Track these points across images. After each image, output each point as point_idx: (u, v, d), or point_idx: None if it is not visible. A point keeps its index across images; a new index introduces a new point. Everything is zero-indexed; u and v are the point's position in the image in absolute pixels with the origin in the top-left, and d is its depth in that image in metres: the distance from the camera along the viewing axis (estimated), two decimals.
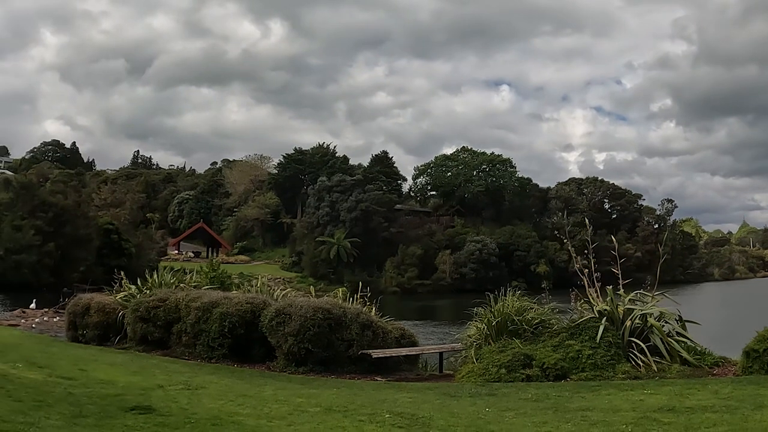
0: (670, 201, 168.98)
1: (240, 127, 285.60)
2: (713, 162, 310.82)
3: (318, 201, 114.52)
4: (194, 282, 23.25)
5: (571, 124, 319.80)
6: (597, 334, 14.82)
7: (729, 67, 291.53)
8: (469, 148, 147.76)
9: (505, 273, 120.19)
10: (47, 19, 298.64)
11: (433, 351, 19.62)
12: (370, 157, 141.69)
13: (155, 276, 22.52)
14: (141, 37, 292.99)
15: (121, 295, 21.95)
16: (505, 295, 17.28)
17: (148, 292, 21.18)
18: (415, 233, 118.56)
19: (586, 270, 17.59)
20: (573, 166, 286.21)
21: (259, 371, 16.60)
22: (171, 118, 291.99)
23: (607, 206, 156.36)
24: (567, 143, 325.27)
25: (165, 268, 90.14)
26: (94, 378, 12.04)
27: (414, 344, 19.55)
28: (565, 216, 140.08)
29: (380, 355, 17.20)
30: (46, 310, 53.79)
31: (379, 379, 16.42)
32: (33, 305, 53.85)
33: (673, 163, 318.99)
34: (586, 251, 18.43)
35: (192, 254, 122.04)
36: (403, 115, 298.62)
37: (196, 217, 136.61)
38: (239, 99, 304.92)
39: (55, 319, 50.56)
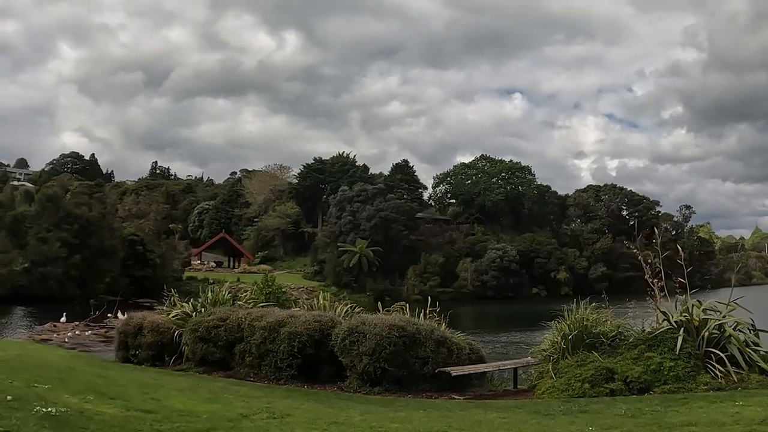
0: (687, 207, 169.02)
1: (255, 137, 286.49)
2: (724, 168, 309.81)
3: (339, 210, 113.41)
4: (251, 299, 21.97)
5: (583, 132, 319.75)
6: (676, 346, 14.39)
7: (739, 74, 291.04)
8: (488, 156, 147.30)
9: (525, 280, 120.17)
10: (65, 33, 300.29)
11: (509, 366, 18.72)
12: (391, 166, 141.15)
13: (208, 293, 21.23)
14: (158, 49, 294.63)
15: (174, 313, 20.68)
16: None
17: (203, 310, 19.96)
18: (436, 241, 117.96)
19: (655, 280, 17.02)
20: (585, 173, 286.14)
21: (332, 392, 15.77)
22: (188, 129, 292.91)
23: (624, 213, 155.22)
24: (579, 150, 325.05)
25: (196, 279, 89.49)
26: (172, 408, 11.02)
27: (482, 359, 18.78)
28: (582, 222, 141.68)
29: (459, 373, 16.37)
30: (77, 323, 52.81)
31: (456, 397, 15.56)
32: (63, 318, 52.84)
33: (684, 169, 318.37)
34: (648, 261, 17.83)
35: (214, 264, 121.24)
36: (417, 123, 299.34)
37: (217, 227, 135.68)
38: (255, 109, 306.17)
39: (87, 333, 49.61)
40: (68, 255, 73.11)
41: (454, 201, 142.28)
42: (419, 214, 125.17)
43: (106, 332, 51.53)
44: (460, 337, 18.60)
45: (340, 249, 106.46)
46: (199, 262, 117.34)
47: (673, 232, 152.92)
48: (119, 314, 58.97)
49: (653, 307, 16.52)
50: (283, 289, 23.40)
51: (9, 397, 9.26)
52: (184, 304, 21.06)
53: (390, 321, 16.34)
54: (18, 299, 68.26)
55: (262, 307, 20.51)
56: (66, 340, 45.19)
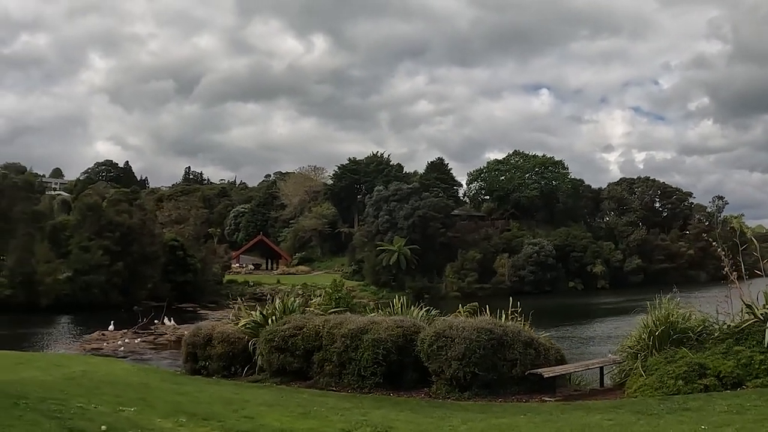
0: (720, 198, 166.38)
1: (286, 139, 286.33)
2: (751, 158, 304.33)
3: (376, 210, 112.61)
4: (321, 305, 20.95)
5: (611, 125, 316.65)
6: (764, 339, 13.90)
7: (763, 65, 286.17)
8: (521, 151, 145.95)
9: (562, 274, 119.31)
10: (96, 43, 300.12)
11: (596, 365, 17.78)
12: (420, 164, 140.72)
13: (277, 301, 20.25)
14: (188, 56, 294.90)
15: (244, 322, 19.71)
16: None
17: (273, 319, 19.01)
18: (472, 238, 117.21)
19: (734, 272, 16.37)
20: (613, 167, 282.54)
21: (421, 400, 15.14)
22: (219, 133, 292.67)
23: (657, 205, 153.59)
24: (607, 144, 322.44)
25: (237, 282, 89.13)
26: (270, 428, 10.44)
27: (563, 358, 17.96)
28: (617, 215, 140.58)
29: (551, 375, 15.64)
30: (125, 331, 52.36)
31: (547, 399, 14.98)
32: (111, 326, 52.36)
33: (711, 160, 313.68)
34: (728, 253, 17.46)
35: (252, 266, 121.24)
36: (445, 122, 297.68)
37: (253, 230, 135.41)
38: (285, 113, 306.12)
39: (136, 341, 49.07)
40: (110, 263, 72.83)
41: (488, 197, 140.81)
42: (455, 211, 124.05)
43: (154, 339, 51.07)
44: (543, 336, 17.82)
45: (378, 248, 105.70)
46: (237, 264, 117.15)
47: (707, 223, 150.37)
48: (166, 320, 58.55)
49: (722, 299, 15.94)
50: (352, 295, 22.35)
51: (103, 427, 8.46)
52: (252, 312, 20.10)
53: (477, 324, 15.66)
54: (62, 308, 68.11)
55: (333, 312, 19.62)
56: (121, 348, 44.75)
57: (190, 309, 76.54)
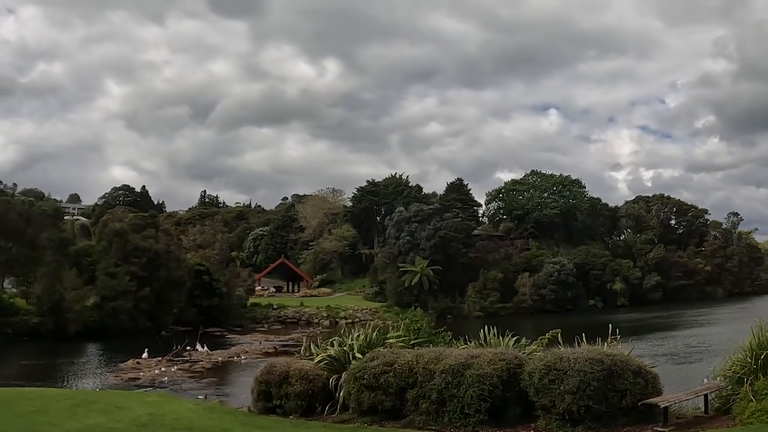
0: (735, 214, 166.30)
1: (299, 162, 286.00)
2: (757, 174, 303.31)
3: (398, 231, 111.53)
4: (401, 336, 19.52)
5: (618, 144, 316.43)
6: None
7: None
8: (538, 171, 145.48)
9: (582, 292, 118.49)
10: (111, 71, 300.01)
11: (702, 392, 16.12)
12: (431, 184, 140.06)
13: (353, 335, 18.90)
14: (202, 82, 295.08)
15: (320, 358, 18.31)
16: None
17: (352, 353, 17.66)
18: (492, 257, 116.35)
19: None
20: (622, 185, 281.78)
21: None
22: (233, 157, 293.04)
23: (673, 222, 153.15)
24: (615, 162, 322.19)
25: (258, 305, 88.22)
26: None
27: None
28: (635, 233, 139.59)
29: (666, 404, 14.60)
30: (159, 358, 51.09)
31: (660, 429, 14.09)
32: (145, 354, 51.03)
33: (718, 177, 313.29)
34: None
35: (273, 289, 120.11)
36: (455, 143, 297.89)
37: (272, 252, 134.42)
38: (297, 136, 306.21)
39: (173, 369, 47.74)
40: (137, 288, 71.44)
41: (506, 217, 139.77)
42: (474, 231, 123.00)
43: (190, 366, 49.74)
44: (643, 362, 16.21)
45: (400, 269, 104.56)
46: (259, 287, 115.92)
47: (722, 240, 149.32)
48: (198, 346, 57.23)
49: None
50: (431, 324, 20.88)
51: None
52: (328, 347, 18.72)
53: (588, 354, 14.51)
54: (90, 335, 66.78)
55: (415, 345, 18.30)
56: (164, 378, 43.49)
57: (218, 333, 75.31)
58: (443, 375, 14.82)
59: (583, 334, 16.82)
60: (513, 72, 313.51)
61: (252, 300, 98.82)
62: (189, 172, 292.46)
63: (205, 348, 56.55)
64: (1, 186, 76.15)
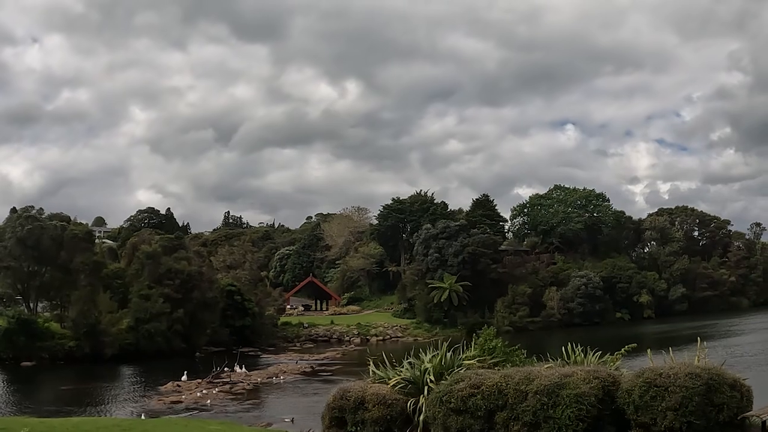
0: (758, 225, 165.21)
1: (322, 182, 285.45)
2: None
3: (425, 248, 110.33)
4: (477, 356, 18.59)
5: (636, 158, 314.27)
6: None
7: None
8: (562, 185, 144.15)
9: (609, 305, 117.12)
10: (136, 97, 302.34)
11: None
12: (453, 201, 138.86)
13: (425, 358, 18.01)
14: (226, 106, 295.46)
15: (395, 381, 17.40)
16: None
17: (430, 376, 16.76)
18: (520, 272, 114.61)
19: None
20: (639, 198, 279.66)
21: None
22: (257, 179, 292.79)
23: (696, 234, 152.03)
24: (632, 176, 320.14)
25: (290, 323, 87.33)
26: None
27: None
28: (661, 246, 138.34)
29: (766, 417, 13.98)
30: (199, 381, 50.31)
31: None
32: (185, 377, 50.26)
33: (735, 188, 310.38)
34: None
35: (302, 307, 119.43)
36: (475, 159, 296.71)
37: (299, 271, 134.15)
38: (320, 156, 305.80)
39: (214, 391, 46.92)
40: (171, 310, 70.82)
41: (530, 232, 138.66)
42: (501, 246, 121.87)
43: (231, 388, 48.92)
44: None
45: (429, 285, 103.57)
46: (288, 306, 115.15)
47: (745, 250, 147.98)
48: (237, 367, 56.44)
49: None
50: (505, 343, 19.92)
51: None
52: (403, 370, 17.81)
53: (687, 369, 14.05)
54: (125, 357, 66.30)
55: (493, 364, 17.39)
56: (208, 401, 42.62)
57: (252, 353, 74.56)
58: (537, 396, 14.07)
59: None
60: (531, 89, 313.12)
61: (282, 319, 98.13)
62: (213, 194, 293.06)
63: (244, 369, 55.74)
64: (33, 212, 75.29)
